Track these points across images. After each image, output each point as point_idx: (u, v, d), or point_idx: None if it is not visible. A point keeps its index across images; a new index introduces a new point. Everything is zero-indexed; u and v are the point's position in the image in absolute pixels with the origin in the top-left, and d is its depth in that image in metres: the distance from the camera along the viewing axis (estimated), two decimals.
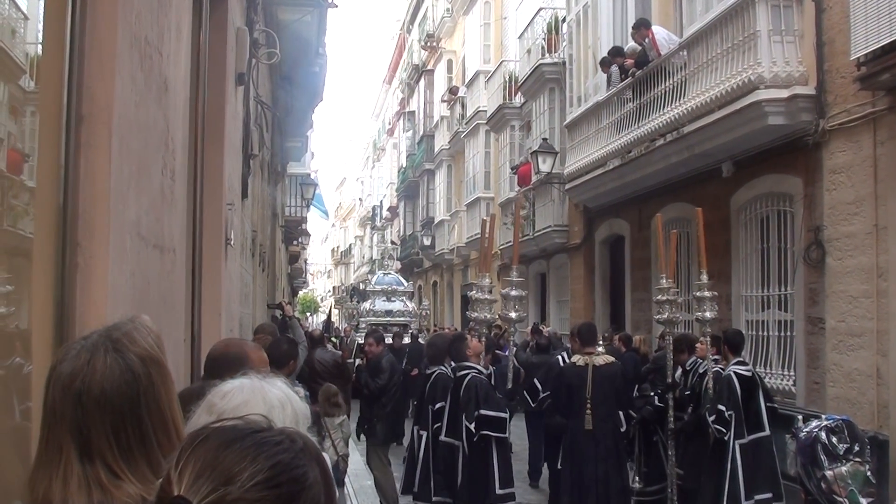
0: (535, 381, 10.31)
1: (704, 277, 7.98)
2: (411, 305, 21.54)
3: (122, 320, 1.75)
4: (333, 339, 19.87)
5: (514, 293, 7.51)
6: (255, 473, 1.07)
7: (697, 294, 7.96)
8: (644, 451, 9.16)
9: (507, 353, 13.55)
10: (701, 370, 8.46)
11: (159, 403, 1.66)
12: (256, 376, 1.87)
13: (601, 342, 8.84)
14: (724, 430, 7.60)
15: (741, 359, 8.19)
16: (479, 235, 23.62)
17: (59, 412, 1.58)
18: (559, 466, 8.51)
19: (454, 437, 7.49)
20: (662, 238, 8.75)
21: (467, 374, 7.36)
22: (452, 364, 7.71)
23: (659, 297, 8.26)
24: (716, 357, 8.32)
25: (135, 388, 1.62)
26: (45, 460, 1.58)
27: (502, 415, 7.23)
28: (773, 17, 9.86)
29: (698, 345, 8.66)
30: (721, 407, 7.63)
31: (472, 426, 7.17)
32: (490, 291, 7.63)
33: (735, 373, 7.84)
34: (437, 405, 7.72)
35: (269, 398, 1.79)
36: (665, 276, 8.33)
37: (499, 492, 7.20)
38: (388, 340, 17.95)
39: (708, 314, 7.92)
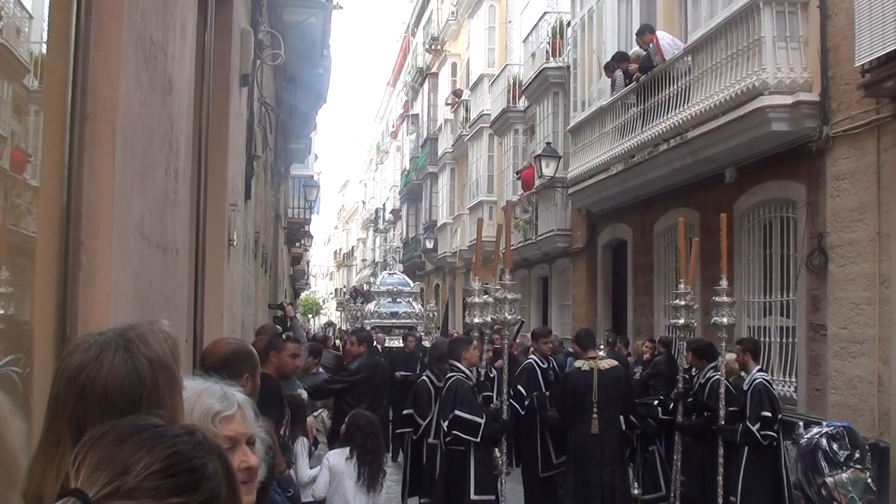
0: (519, 386, 10.14)
1: (724, 283, 7.93)
2: (417, 307, 21.26)
3: (140, 321, 1.73)
4: (337, 339, 19.78)
5: (510, 296, 7.50)
6: (151, 463, 1.08)
7: (717, 299, 7.91)
8: (641, 458, 9.14)
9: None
10: (702, 380, 8.42)
11: (161, 410, 1.64)
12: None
13: (604, 346, 8.79)
14: (773, 435, 7.47)
15: (759, 366, 8.15)
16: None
17: (62, 403, 1.58)
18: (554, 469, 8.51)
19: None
20: (684, 242, 8.64)
21: (452, 376, 7.45)
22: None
23: (677, 301, 8.18)
24: (713, 365, 8.27)
25: (138, 391, 1.60)
26: (44, 451, 1.57)
27: (477, 419, 7.18)
28: (777, 23, 9.86)
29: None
30: (767, 413, 7.45)
31: (445, 425, 7.24)
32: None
33: (765, 380, 7.81)
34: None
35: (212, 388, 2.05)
36: (684, 281, 8.28)
37: (473, 497, 7.09)
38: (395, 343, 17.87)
39: (725, 319, 7.87)
